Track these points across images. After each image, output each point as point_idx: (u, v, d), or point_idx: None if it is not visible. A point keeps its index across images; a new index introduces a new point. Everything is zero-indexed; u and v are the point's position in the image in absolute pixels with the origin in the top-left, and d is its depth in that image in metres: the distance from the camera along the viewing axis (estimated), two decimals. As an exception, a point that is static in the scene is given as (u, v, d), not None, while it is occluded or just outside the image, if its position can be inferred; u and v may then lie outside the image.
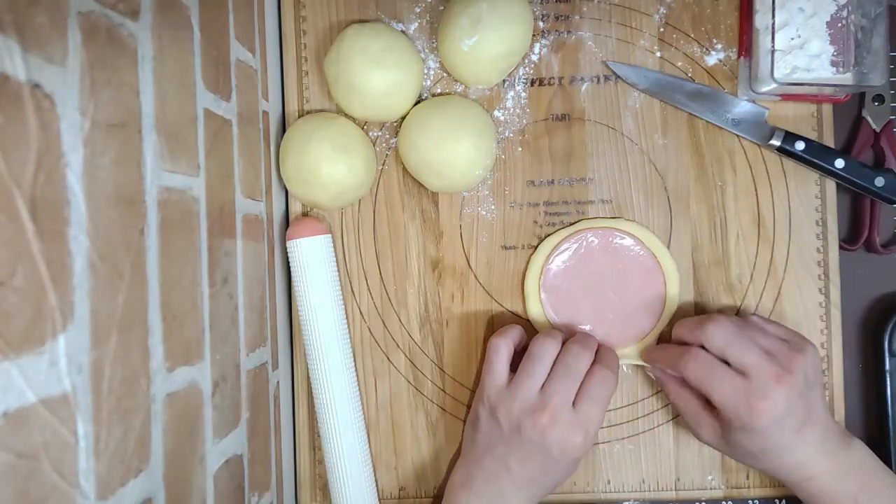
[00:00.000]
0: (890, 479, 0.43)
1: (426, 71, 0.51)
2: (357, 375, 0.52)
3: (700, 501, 0.51)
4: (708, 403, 0.45)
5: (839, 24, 0.47)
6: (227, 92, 0.42)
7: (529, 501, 0.45)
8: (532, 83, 0.52)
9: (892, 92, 0.51)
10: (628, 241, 0.50)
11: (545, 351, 0.45)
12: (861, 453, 0.43)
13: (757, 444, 0.42)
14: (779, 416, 0.41)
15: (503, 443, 0.44)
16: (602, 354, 0.47)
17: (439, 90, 0.52)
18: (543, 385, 0.44)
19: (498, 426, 0.45)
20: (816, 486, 0.43)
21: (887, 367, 0.51)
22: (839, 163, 0.48)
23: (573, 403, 0.43)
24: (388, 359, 0.52)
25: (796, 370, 0.42)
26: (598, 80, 0.51)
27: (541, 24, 0.51)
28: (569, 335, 0.48)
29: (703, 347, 0.44)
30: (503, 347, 0.46)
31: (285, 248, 0.51)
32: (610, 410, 0.51)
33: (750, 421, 0.41)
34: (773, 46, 0.46)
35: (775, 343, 0.43)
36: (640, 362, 0.50)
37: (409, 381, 0.52)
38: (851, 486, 0.42)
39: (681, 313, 0.50)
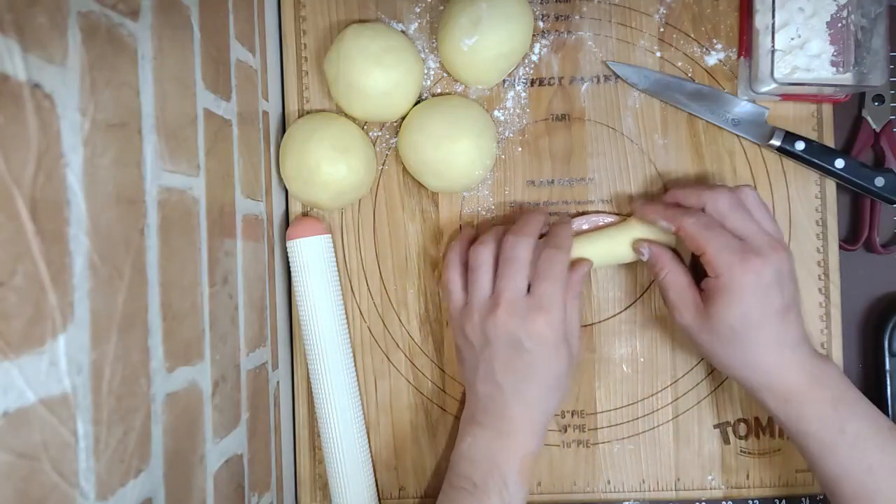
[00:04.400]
0: (861, 396, 0.42)
1: (426, 71, 0.51)
2: (357, 375, 0.52)
3: (700, 501, 0.51)
4: (696, 282, 0.44)
5: (839, 24, 0.47)
6: (227, 92, 0.42)
7: (536, 419, 0.44)
8: (532, 83, 0.52)
9: (892, 92, 0.51)
10: None
11: (480, 257, 0.45)
12: (836, 369, 0.43)
13: (737, 317, 0.41)
14: (767, 279, 0.41)
15: (482, 360, 0.44)
16: (551, 233, 0.46)
17: (439, 90, 0.52)
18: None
19: (472, 345, 0.45)
20: (793, 392, 0.41)
21: (887, 367, 0.51)
22: (839, 163, 0.48)
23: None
24: (388, 359, 0.52)
25: (787, 253, 0.42)
26: (598, 80, 0.51)
27: (541, 24, 0.51)
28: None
29: None
30: (453, 273, 0.47)
31: (285, 248, 0.51)
32: (610, 410, 0.51)
33: (741, 274, 0.41)
34: (773, 46, 0.46)
35: (772, 228, 0.44)
36: (635, 253, 0.48)
37: (409, 381, 0.52)
38: (828, 393, 0.41)
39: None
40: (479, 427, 0.44)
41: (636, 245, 0.47)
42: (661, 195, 0.48)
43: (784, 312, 0.41)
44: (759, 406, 0.44)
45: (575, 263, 0.47)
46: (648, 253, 0.46)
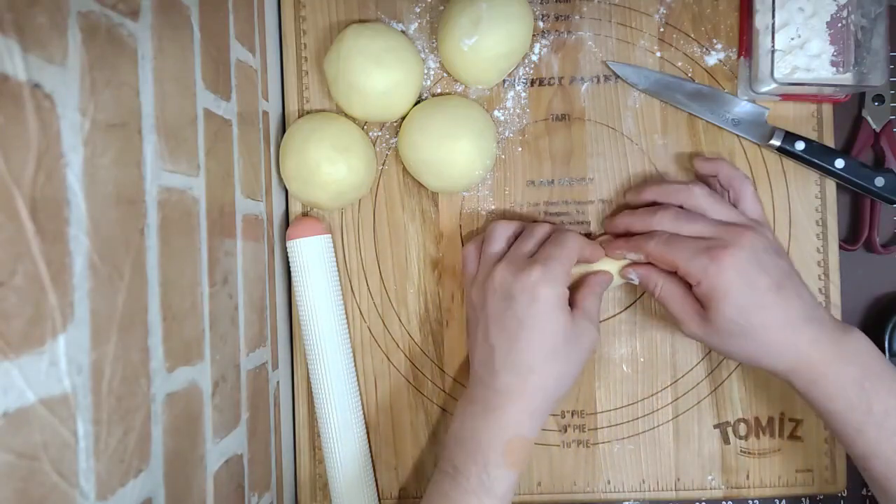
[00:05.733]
0: (889, 369, 0.40)
1: (426, 71, 0.51)
2: (357, 375, 0.52)
3: (700, 501, 0.51)
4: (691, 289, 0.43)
5: (839, 24, 0.47)
6: (227, 92, 0.42)
7: (529, 394, 0.42)
8: (532, 83, 0.52)
9: (892, 92, 0.51)
10: None
11: (497, 230, 0.47)
12: (861, 340, 0.41)
13: (734, 310, 0.40)
14: (744, 265, 0.40)
15: (480, 321, 0.44)
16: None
17: (439, 90, 0.52)
18: None
19: (475, 309, 0.45)
20: (819, 371, 0.40)
21: (887, 367, 0.51)
22: (839, 163, 0.48)
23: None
24: (388, 359, 0.52)
25: (755, 232, 0.42)
26: (598, 80, 0.51)
27: (541, 24, 0.51)
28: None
29: None
30: (471, 247, 0.48)
31: (285, 248, 0.51)
32: (610, 410, 0.51)
33: (717, 273, 0.40)
34: (773, 46, 0.46)
35: (731, 215, 0.44)
36: (624, 280, 0.47)
37: (409, 381, 0.52)
38: (854, 370, 0.40)
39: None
40: (471, 403, 0.43)
41: (624, 273, 0.47)
42: (611, 221, 0.48)
43: (777, 288, 0.41)
44: (789, 388, 0.42)
45: (596, 273, 0.47)
46: (637, 276, 0.46)
